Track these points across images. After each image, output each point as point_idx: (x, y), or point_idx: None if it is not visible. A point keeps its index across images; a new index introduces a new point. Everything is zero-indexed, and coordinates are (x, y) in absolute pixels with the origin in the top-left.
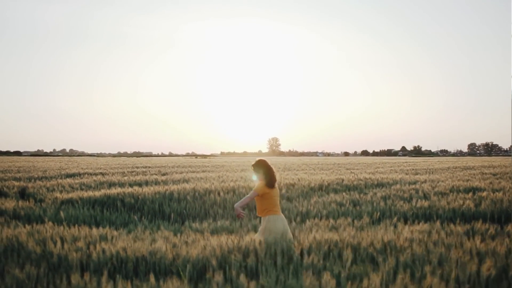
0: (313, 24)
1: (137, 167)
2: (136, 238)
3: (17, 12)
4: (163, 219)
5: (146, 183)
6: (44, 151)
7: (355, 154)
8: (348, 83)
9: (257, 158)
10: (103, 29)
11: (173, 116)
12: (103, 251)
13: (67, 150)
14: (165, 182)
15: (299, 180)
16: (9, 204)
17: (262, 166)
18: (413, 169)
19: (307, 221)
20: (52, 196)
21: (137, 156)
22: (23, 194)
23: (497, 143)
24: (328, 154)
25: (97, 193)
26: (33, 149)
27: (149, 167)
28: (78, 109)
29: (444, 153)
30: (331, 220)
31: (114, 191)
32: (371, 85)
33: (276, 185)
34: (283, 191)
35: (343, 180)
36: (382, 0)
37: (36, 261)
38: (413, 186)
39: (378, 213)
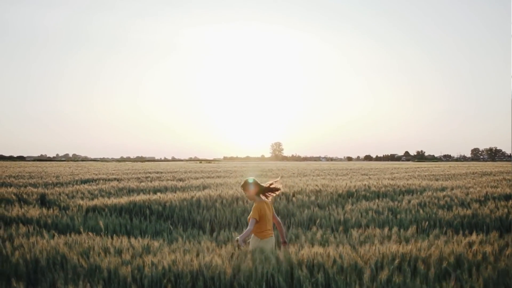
0: (316, 29)
1: (149, 173)
2: (182, 251)
3: (18, 17)
4: (194, 227)
5: (166, 189)
6: (47, 156)
7: (358, 159)
8: (351, 88)
9: (244, 179)
10: (104, 33)
11: (175, 121)
12: (153, 264)
13: (70, 155)
14: (185, 189)
15: (322, 186)
16: (34, 212)
17: (249, 184)
18: (430, 175)
19: (352, 231)
20: (75, 203)
21: (141, 161)
22: (43, 201)
23: (501, 148)
24: (331, 159)
25: (122, 200)
26: (36, 154)
27: (161, 172)
28: (79, 114)
29: (447, 158)
30: (378, 230)
31: (139, 198)
32: (373, 89)
33: (270, 200)
34: (312, 197)
35: (369, 186)
36: (385, 5)
37: (85, 276)
38: (444, 193)
39: (426, 223)
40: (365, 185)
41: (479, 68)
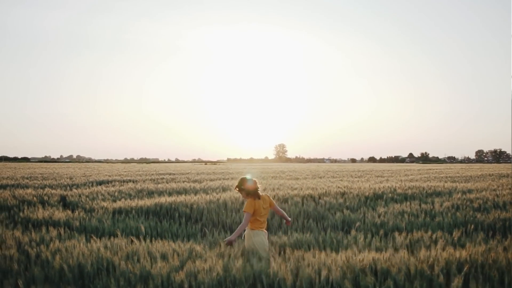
0: (319, 31)
1: (161, 174)
2: (229, 255)
3: (21, 20)
4: (225, 230)
5: (186, 191)
6: (51, 157)
7: (361, 160)
8: (354, 90)
9: (240, 177)
10: (106, 35)
11: (178, 123)
12: (205, 271)
13: (74, 156)
14: (205, 191)
15: (346, 188)
16: (60, 214)
17: (244, 185)
18: (446, 177)
19: (395, 234)
20: (98, 205)
21: (147, 163)
22: (64, 202)
23: (505, 150)
24: (335, 161)
25: (148, 202)
26: (40, 155)
27: (173, 174)
28: (82, 115)
29: (451, 160)
30: (420, 233)
31: (164, 199)
32: (377, 91)
33: (265, 195)
34: (340, 200)
35: (395, 188)
36: (388, 8)
37: (137, 282)
38: (473, 195)
39: (472, 226)
40: (390, 187)
41: (482, 70)
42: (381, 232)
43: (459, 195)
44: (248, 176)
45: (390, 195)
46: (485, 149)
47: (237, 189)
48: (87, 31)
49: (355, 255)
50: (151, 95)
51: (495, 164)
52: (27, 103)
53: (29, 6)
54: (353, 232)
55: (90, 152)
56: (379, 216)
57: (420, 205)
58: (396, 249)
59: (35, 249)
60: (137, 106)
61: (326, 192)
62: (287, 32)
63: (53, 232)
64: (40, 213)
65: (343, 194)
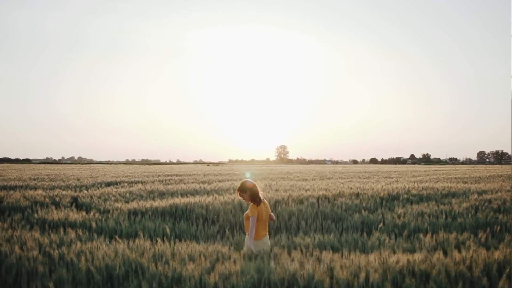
0: (320, 32)
1: (168, 175)
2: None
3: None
4: (244, 232)
5: (197, 192)
6: (53, 158)
7: (363, 162)
8: (355, 91)
9: (241, 181)
10: (107, 36)
11: (179, 124)
12: (238, 273)
13: (76, 158)
14: (217, 192)
15: (360, 189)
16: (75, 215)
17: (248, 188)
18: (455, 178)
19: (419, 236)
20: (112, 206)
21: (149, 164)
22: (76, 203)
23: (507, 151)
24: (337, 162)
25: (162, 203)
26: (41, 156)
27: (179, 175)
28: (83, 117)
29: (453, 161)
30: (444, 234)
31: (179, 201)
32: (378, 92)
33: (265, 201)
34: (357, 201)
35: (409, 189)
36: (388, 9)
37: (170, 285)
38: (490, 196)
39: (498, 227)
40: (403, 188)
41: (483, 71)
42: (405, 233)
43: (476, 196)
44: (248, 178)
45: (405, 196)
46: (487, 151)
47: (239, 192)
48: (88, 32)
49: (388, 257)
50: (152, 96)
51: (497, 166)
52: (28, 104)
53: (29, 7)
54: (376, 233)
55: (92, 154)
56: (398, 217)
57: (438, 206)
58: (429, 251)
59: (57, 251)
60: (138, 107)
61: (340, 193)
62: (288, 33)
63: (72, 234)
64: (55, 214)
65: (357, 195)
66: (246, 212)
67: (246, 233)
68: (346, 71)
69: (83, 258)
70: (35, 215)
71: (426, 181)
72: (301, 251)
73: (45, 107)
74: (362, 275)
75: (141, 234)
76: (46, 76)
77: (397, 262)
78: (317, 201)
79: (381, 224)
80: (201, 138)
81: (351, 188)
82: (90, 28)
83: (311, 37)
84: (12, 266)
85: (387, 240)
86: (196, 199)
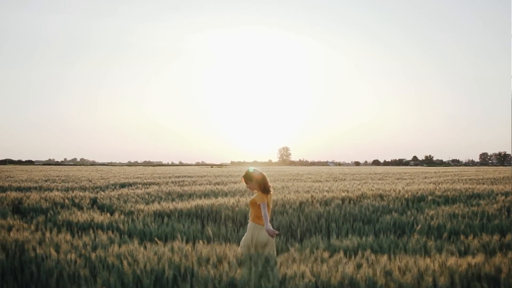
0: (322, 34)
1: (179, 177)
2: (305, 260)
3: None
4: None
5: (215, 194)
6: (55, 160)
7: (365, 163)
8: (357, 93)
9: (248, 168)
10: (108, 39)
11: (181, 126)
12: (297, 276)
13: (78, 159)
14: (235, 194)
15: (378, 189)
16: (101, 217)
17: (254, 175)
18: (470, 179)
19: (461, 238)
20: (134, 207)
21: (152, 166)
22: (97, 205)
23: (509, 153)
24: (339, 164)
25: (187, 205)
26: (43, 158)
27: (190, 176)
28: (85, 119)
29: (455, 162)
30: (489, 237)
31: (202, 202)
32: (380, 94)
33: (271, 190)
34: (383, 202)
35: (432, 190)
36: (389, 11)
37: None
38: None
39: None
40: (426, 189)
41: (485, 72)
42: (444, 235)
43: (503, 197)
44: (252, 168)
45: (430, 197)
46: (489, 152)
47: (244, 179)
48: (89, 34)
49: (446, 260)
50: (154, 98)
51: (501, 167)
52: (30, 106)
53: (30, 9)
54: (414, 235)
55: (94, 155)
56: (431, 219)
57: (468, 207)
58: (488, 253)
59: (94, 254)
60: (140, 109)
61: (362, 194)
62: (290, 35)
63: (103, 236)
64: (80, 216)
65: (381, 196)
66: (253, 198)
67: (249, 220)
68: (348, 73)
69: (125, 262)
70: (59, 216)
71: (442, 183)
72: (345, 253)
73: (47, 109)
74: (428, 279)
75: (179, 237)
76: (48, 78)
77: (459, 265)
78: (342, 202)
79: (419, 226)
80: (203, 140)
81: (371, 190)
82: (92, 30)
83: (313, 39)
84: (50, 269)
85: (430, 243)
86: (220, 200)
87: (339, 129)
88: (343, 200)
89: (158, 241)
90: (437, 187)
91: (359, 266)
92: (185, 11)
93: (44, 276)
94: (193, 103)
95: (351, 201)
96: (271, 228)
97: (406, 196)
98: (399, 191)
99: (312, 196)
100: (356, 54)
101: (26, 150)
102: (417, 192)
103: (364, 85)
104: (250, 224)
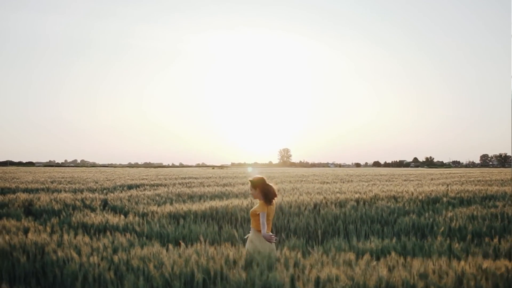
0: (323, 35)
1: (185, 178)
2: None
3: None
4: (296, 235)
5: (225, 195)
6: (56, 161)
7: (366, 165)
8: (358, 94)
9: (254, 176)
10: (108, 40)
11: (182, 127)
12: (333, 280)
13: (79, 161)
14: (245, 195)
15: (390, 191)
16: (115, 219)
17: (258, 185)
18: (477, 180)
19: (485, 240)
20: (147, 209)
21: (154, 167)
22: (108, 207)
23: (510, 154)
24: (339, 165)
25: (202, 206)
26: (44, 159)
27: (196, 178)
28: (85, 120)
29: (456, 164)
30: None
31: (215, 204)
32: (380, 95)
33: (274, 201)
34: (399, 204)
35: (446, 192)
36: (390, 12)
37: None
38: None
39: None
40: (439, 191)
41: (485, 73)
42: (468, 237)
43: None
44: (250, 172)
45: (444, 199)
46: (490, 154)
47: (251, 184)
48: (89, 35)
49: (482, 263)
50: (154, 99)
51: (502, 169)
52: (30, 107)
53: (30, 11)
54: (438, 237)
55: (94, 157)
56: (451, 221)
57: (486, 208)
58: None
59: (117, 256)
60: (140, 110)
61: (375, 196)
62: (291, 37)
63: (122, 238)
64: (94, 218)
65: (395, 198)
66: (254, 208)
67: (255, 228)
68: (348, 74)
69: (151, 265)
70: (73, 218)
71: (451, 184)
72: (372, 256)
73: (47, 110)
74: (471, 282)
75: (202, 239)
76: (48, 80)
77: (496, 268)
78: (357, 204)
79: (441, 228)
80: (203, 141)
81: (383, 191)
82: (92, 31)
83: (313, 40)
84: (74, 272)
85: (456, 245)
86: (234, 202)
87: (340, 131)
88: (357, 201)
89: (182, 243)
90: (449, 189)
91: (391, 268)
92: (185, 12)
93: (68, 279)
94: (193, 105)
95: (365, 203)
96: (268, 234)
97: (420, 197)
98: (412, 192)
99: (324, 197)
100: (357, 55)
101: (26, 151)
102: (431, 194)
103: (364, 87)
104: (251, 233)
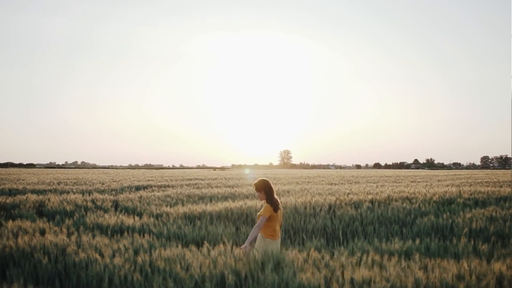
0: (324, 37)
1: (190, 179)
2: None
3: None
4: (315, 236)
5: (234, 196)
6: (56, 163)
7: (366, 167)
8: (358, 96)
9: (259, 178)
10: (109, 41)
11: (182, 129)
12: (368, 280)
13: (79, 163)
14: (254, 196)
15: (402, 192)
16: (130, 220)
17: (263, 187)
18: (486, 182)
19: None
20: (160, 210)
21: (155, 169)
22: (119, 208)
23: (510, 156)
24: (340, 167)
25: (216, 208)
26: (44, 161)
27: (202, 179)
28: (85, 122)
29: (457, 166)
30: None
31: (229, 205)
32: (380, 97)
33: (281, 206)
34: (414, 205)
35: (460, 193)
36: (390, 14)
37: None
38: None
39: None
40: (454, 192)
41: (486, 75)
42: (493, 238)
43: None
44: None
45: (459, 200)
46: (490, 155)
47: (255, 187)
48: (90, 37)
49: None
50: (155, 101)
51: (503, 170)
52: (30, 109)
53: (30, 12)
54: (462, 238)
55: (95, 158)
56: (470, 222)
57: (504, 210)
58: None
59: (140, 258)
60: (140, 112)
61: (388, 197)
62: (292, 38)
63: (141, 239)
64: (110, 219)
65: (409, 199)
66: (260, 211)
67: (260, 233)
68: (349, 76)
69: (178, 266)
70: (87, 219)
71: (460, 185)
72: (403, 257)
73: (47, 112)
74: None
75: (225, 240)
76: (49, 81)
77: None
78: (372, 205)
79: (465, 229)
80: (203, 143)
81: (395, 192)
82: (92, 33)
83: (314, 42)
84: (99, 274)
85: (482, 247)
86: (248, 203)
87: (340, 132)
88: (371, 202)
89: (206, 244)
90: (462, 190)
91: (425, 270)
92: (186, 14)
93: (93, 281)
94: (194, 106)
95: (380, 204)
96: (247, 247)
97: (434, 198)
98: (425, 193)
99: (337, 198)
100: (357, 57)
101: (27, 153)
102: (444, 195)
103: (365, 88)
104: (259, 236)
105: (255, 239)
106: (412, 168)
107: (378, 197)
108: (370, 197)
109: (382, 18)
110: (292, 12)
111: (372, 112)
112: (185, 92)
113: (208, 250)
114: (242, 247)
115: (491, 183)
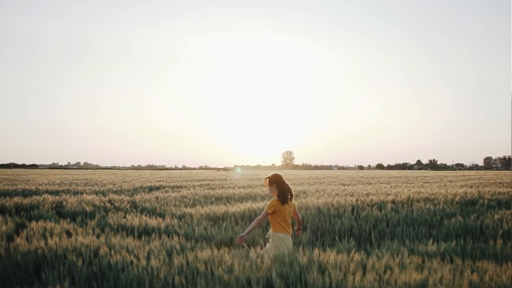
0: (325, 38)
1: (200, 180)
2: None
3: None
4: (345, 238)
5: (251, 197)
6: (59, 164)
7: (369, 167)
8: (360, 96)
9: (272, 172)
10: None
11: (184, 130)
12: (423, 283)
13: (82, 163)
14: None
15: (421, 193)
16: (153, 221)
17: (275, 181)
18: (497, 182)
19: None
20: (181, 211)
21: (158, 169)
22: (136, 208)
23: None
24: (343, 168)
25: (238, 208)
26: (47, 162)
27: (212, 180)
28: (87, 123)
29: (460, 166)
30: None
31: (250, 205)
32: (382, 98)
33: (293, 201)
34: (439, 206)
35: (480, 193)
36: (391, 15)
37: None
38: None
39: None
40: (475, 192)
41: (487, 76)
42: None
43: None
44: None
45: (481, 200)
46: (493, 156)
47: (268, 181)
48: (89, 38)
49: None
50: (156, 102)
51: (506, 171)
52: (31, 110)
53: (30, 14)
54: (499, 240)
55: (97, 159)
56: (501, 223)
57: None
58: None
59: (177, 260)
60: (142, 113)
61: (408, 197)
62: (293, 40)
63: (172, 241)
64: (133, 220)
65: (430, 200)
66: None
67: (274, 231)
68: (350, 77)
69: (220, 268)
70: (110, 220)
71: (474, 186)
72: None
73: (48, 113)
74: None
75: (262, 241)
76: (49, 82)
77: None
78: (395, 206)
79: (501, 231)
80: (205, 144)
81: (415, 193)
82: (92, 34)
83: (316, 43)
84: (137, 276)
85: None
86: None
87: (342, 133)
88: (394, 203)
89: (245, 245)
90: (481, 190)
91: (476, 273)
92: (186, 15)
93: (133, 283)
94: (195, 107)
95: (403, 205)
96: (244, 237)
97: (456, 199)
98: (445, 194)
99: (358, 199)
100: (358, 58)
101: (29, 154)
102: (466, 196)
103: (366, 89)
104: (269, 231)
105: (252, 231)
106: (415, 169)
107: (399, 198)
108: (390, 198)
109: (383, 19)
110: (293, 13)
111: (374, 113)
112: (186, 93)
113: (247, 252)
114: (239, 235)
115: (504, 184)
